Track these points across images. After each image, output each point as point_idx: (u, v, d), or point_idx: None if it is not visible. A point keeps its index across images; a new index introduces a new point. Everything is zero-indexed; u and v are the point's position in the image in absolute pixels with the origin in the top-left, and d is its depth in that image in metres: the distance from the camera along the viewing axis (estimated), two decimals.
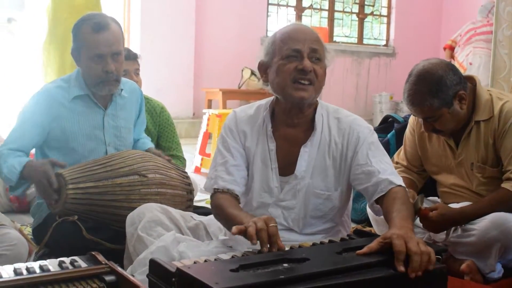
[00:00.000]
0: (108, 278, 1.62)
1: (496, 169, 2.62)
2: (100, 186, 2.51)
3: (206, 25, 8.32)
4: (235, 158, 2.25)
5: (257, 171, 2.25)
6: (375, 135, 2.25)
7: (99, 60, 2.66)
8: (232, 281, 1.48)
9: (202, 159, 5.56)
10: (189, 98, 8.21)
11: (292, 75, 2.10)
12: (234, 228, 1.80)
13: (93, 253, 1.76)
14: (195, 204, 3.45)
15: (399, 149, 3.04)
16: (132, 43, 7.93)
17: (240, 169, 2.25)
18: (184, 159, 3.47)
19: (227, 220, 2.09)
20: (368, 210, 2.86)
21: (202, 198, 3.88)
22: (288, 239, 2.09)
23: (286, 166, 2.22)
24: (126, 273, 1.78)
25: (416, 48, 10.06)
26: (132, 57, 3.46)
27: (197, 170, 5.50)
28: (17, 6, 7.30)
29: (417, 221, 2.58)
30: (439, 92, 2.53)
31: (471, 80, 2.68)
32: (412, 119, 2.93)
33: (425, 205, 2.70)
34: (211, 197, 2.23)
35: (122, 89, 2.84)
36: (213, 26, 8.40)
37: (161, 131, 3.44)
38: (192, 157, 5.50)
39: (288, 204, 2.22)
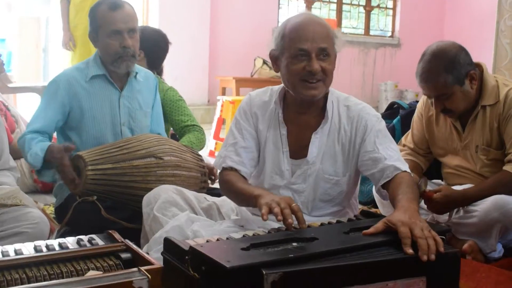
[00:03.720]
0: (124, 255, 1.60)
1: (500, 151, 2.58)
2: (118, 167, 2.48)
3: (221, 17, 8.26)
4: (246, 140, 2.21)
5: (268, 154, 2.21)
6: (383, 123, 2.20)
7: (116, 36, 2.66)
8: (243, 259, 1.45)
9: (216, 143, 5.54)
10: (204, 85, 8.16)
11: (300, 75, 2.04)
12: (264, 213, 1.75)
13: (110, 231, 1.74)
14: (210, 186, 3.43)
15: (407, 133, 3.00)
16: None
17: (249, 151, 2.21)
18: (201, 128, 3.35)
19: (237, 194, 2.08)
20: (374, 193, 2.83)
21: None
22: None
23: (297, 150, 2.18)
24: (142, 251, 1.76)
25: (420, 39, 9.91)
26: None
27: (212, 154, 5.47)
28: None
29: (422, 203, 2.54)
30: (453, 69, 2.50)
31: (479, 66, 2.63)
32: (420, 104, 2.88)
33: (429, 187, 2.68)
34: (220, 174, 2.22)
35: (137, 73, 2.82)
36: (227, 18, 8.34)
37: (170, 106, 3.31)
38: (207, 141, 5.46)
39: (299, 187, 2.18)
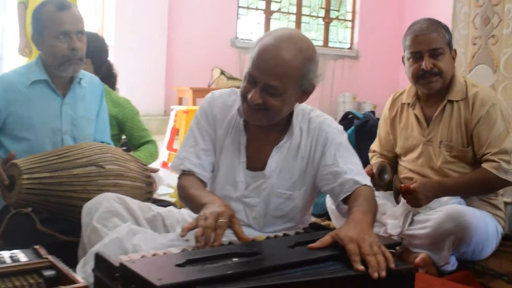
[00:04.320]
0: (47, 273, 1.46)
1: (463, 149, 2.55)
2: (56, 176, 2.32)
3: (178, 26, 8.13)
4: (206, 143, 2.10)
5: (224, 162, 2.10)
6: (345, 136, 2.11)
7: (64, 38, 2.53)
8: (176, 277, 1.32)
9: (169, 154, 5.39)
10: (160, 95, 8.01)
11: (243, 99, 1.94)
12: (181, 231, 1.67)
13: (36, 247, 1.60)
14: (159, 197, 3.31)
15: (376, 139, 2.95)
16: (106, 41, 7.71)
17: (208, 154, 2.10)
18: (155, 141, 3.35)
19: (189, 200, 1.97)
20: (328, 205, 2.75)
21: (166, 192, 3.72)
22: (248, 235, 1.94)
23: (255, 163, 2.07)
24: (78, 265, 1.63)
25: (379, 51, 10.03)
26: None
27: (165, 165, 5.31)
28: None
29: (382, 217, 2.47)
30: (448, 32, 2.56)
31: None
32: (385, 107, 2.84)
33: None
34: (178, 178, 2.10)
35: (81, 78, 2.68)
36: (185, 27, 8.21)
37: (131, 121, 3.27)
38: (160, 152, 5.32)
39: (251, 201, 2.07)
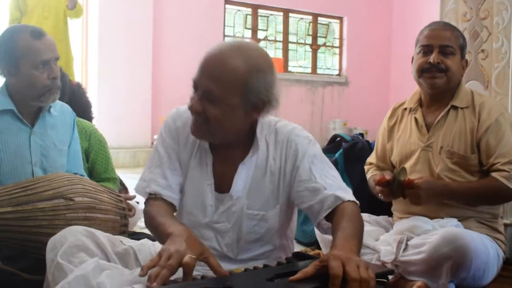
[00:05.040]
0: None
1: (465, 155, 2.45)
2: (19, 211, 2.16)
3: (164, 56, 8.04)
4: (172, 161, 1.91)
5: (190, 185, 1.92)
6: (317, 146, 1.91)
7: (44, 67, 2.41)
8: None
9: None
10: (147, 127, 7.88)
11: (190, 111, 1.80)
12: (141, 270, 1.49)
13: None
14: (141, 230, 3.14)
15: (372, 152, 2.87)
16: (90, 73, 7.62)
17: (176, 173, 1.91)
18: (117, 179, 3.15)
19: (155, 229, 1.79)
20: (316, 231, 2.59)
21: None
22: (223, 265, 1.76)
23: (223, 184, 1.89)
24: None
25: (367, 77, 9.99)
26: None
27: None
28: None
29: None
30: (464, 39, 2.57)
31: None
32: (385, 119, 2.78)
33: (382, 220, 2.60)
34: (145, 203, 1.91)
35: (50, 106, 2.53)
36: (171, 57, 8.11)
37: (94, 152, 3.09)
38: None
39: (222, 226, 1.88)
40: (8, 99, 2.44)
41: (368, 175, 2.80)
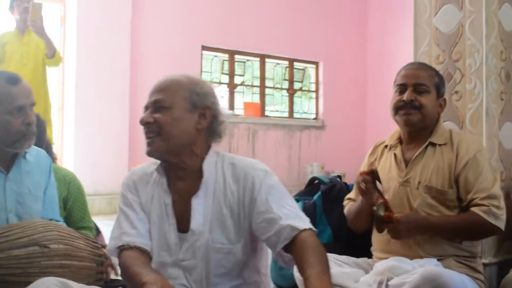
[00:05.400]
0: None
1: (442, 190, 2.48)
2: None
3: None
4: (137, 212, 1.96)
5: (154, 228, 1.95)
6: (274, 178, 1.95)
7: (19, 113, 2.37)
8: None
9: None
10: (123, 173, 7.74)
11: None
12: None
13: None
14: (116, 277, 3.08)
15: (353, 189, 2.88)
16: (66, 118, 7.57)
17: (144, 222, 1.95)
18: (94, 228, 3.11)
19: (130, 280, 1.78)
20: (296, 275, 2.56)
21: None
22: None
23: (184, 221, 1.92)
24: None
25: (344, 120, 10.07)
26: None
27: None
28: None
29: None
30: (440, 78, 2.64)
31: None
32: (366, 155, 2.84)
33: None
34: (118, 256, 1.91)
35: (26, 152, 2.50)
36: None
37: (72, 201, 3.06)
38: None
39: (189, 264, 1.90)
40: None
41: (346, 209, 2.82)
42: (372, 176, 2.49)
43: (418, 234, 2.43)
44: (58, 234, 2.28)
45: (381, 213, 2.39)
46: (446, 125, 3.07)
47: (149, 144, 1.91)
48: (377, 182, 2.52)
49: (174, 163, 1.95)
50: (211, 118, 1.95)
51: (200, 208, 1.90)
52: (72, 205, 3.05)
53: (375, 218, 2.41)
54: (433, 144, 2.56)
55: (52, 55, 5.58)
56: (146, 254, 1.90)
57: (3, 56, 5.49)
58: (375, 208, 2.45)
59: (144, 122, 1.91)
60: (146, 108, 1.95)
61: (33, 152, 2.59)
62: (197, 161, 1.94)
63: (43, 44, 5.54)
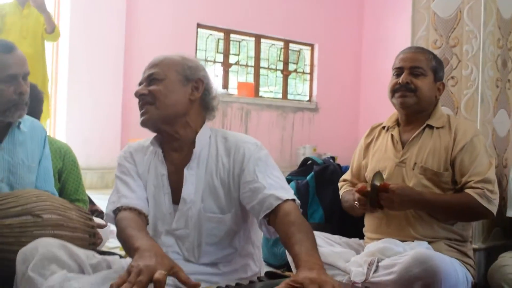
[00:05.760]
0: None
1: (438, 171, 2.50)
2: None
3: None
4: (135, 179, 2.02)
5: (150, 197, 2.00)
6: (264, 151, 1.99)
7: (11, 82, 2.34)
8: None
9: None
10: (116, 148, 7.74)
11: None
12: (113, 284, 1.46)
13: None
14: (109, 250, 3.10)
15: (348, 170, 2.92)
16: (60, 93, 7.53)
17: (142, 188, 2.00)
18: (87, 201, 3.12)
19: (124, 242, 1.80)
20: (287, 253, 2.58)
21: (115, 245, 3.49)
22: (186, 271, 1.75)
23: (179, 192, 1.96)
24: None
25: (337, 103, 10.08)
26: None
27: None
28: None
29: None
30: (438, 62, 2.65)
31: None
32: (363, 137, 2.85)
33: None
34: (115, 219, 1.94)
35: (20, 122, 2.48)
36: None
37: (66, 173, 3.06)
38: None
39: (182, 232, 1.94)
40: None
41: (341, 191, 2.84)
42: (367, 197, 2.47)
43: (411, 208, 2.46)
44: (51, 205, 2.27)
45: (377, 182, 2.41)
46: None
47: (143, 114, 1.96)
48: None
49: (168, 134, 1.99)
50: (204, 90, 2.01)
51: (192, 178, 1.95)
52: (67, 177, 3.06)
53: (370, 186, 2.43)
54: (430, 127, 2.59)
55: (52, 31, 5.58)
56: (143, 217, 1.92)
57: (2, 27, 5.46)
58: (370, 177, 2.47)
59: (139, 94, 1.97)
60: (140, 84, 2.01)
61: (28, 123, 2.57)
62: (191, 132, 1.99)
63: (42, 18, 5.53)
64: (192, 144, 1.98)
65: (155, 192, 2.00)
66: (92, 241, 2.37)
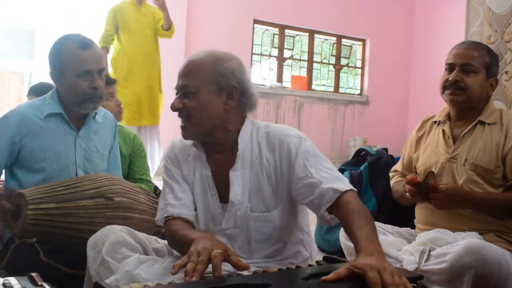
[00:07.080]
0: None
1: (488, 168, 2.43)
2: (62, 207, 2.19)
3: None
4: (181, 184, 1.97)
5: (198, 199, 1.97)
6: (308, 142, 1.92)
7: (86, 77, 2.43)
8: None
9: None
10: None
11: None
12: (173, 268, 1.50)
13: (33, 274, 1.46)
14: None
15: (399, 161, 2.87)
16: None
17: (188, 193, 1.96)
18: (152, 183, 3.18)
19: (179, 244, 1.80)
20: (342, 240, 2.58)
21: None
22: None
23: (225, 192, 1.92)
24: None
25: (387, 97, 9.94)
26: (110, 81, 3.19)
27: None
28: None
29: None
30: (493, 58, 2.53)
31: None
32: (414, 129, 2.78)
33: (398, 236, 2.52)
34: (164, 228, 1.94)
35: (96, 113, 2.57)
36: None
37: (134, 156, 3.13)
38: None
39: (232, 232, 1.92)
40: (58, 103, 2.49)
41: (392, 181, 2.81)
42: (417, 188, 2.44)
43: (461, 207, 2.41)
44: (122, 188, 2.35)
45: (428, 181, 2.39)
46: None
47: (183, 129, 1.90)
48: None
49: (210, 141, 1.95)
50: (239, 96, 1.89)
51: (238, 179, 1.90)
52: (134, 159, 3.13)
53: (423, 184, 2.40)
54: (482, 123, 2.51)
55: (168, 27, 5.64)
56: (189, 223, 1.91)
57: (123, 26, 5.49)
58: (421, 171, 2.45)
59: (175, 109, 1.88)
60: (177, 91, 1.91)
61: (101, 114, 2.66)
62: (232, 135, 1.93)
63: (157, 15, 5.59)
64: (235, 143, 1.92)
65: (202, 194, 1.97)
66: None
